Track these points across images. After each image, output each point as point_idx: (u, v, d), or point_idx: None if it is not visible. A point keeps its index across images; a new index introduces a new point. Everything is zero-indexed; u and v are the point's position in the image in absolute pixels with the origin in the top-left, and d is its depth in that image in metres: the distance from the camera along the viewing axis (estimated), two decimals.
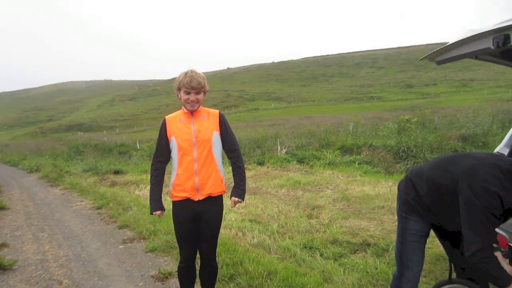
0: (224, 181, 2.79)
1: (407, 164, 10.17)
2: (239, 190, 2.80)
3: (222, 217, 2.86)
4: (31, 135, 65.79)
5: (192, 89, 2.58)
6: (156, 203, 2.75)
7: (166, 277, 3.78)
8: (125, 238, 5.23)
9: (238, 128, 29.56)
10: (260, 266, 3.63)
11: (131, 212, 6.44)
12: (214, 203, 2.75)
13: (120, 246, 4.93)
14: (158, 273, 3.88)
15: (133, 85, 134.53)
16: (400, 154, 10.99)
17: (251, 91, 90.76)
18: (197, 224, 2.76)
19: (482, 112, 17.25)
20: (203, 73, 2.68)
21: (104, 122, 69.34)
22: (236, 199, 2.78)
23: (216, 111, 2.80)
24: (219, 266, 3.69)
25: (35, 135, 64.49)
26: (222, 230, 5.04)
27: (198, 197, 2.67)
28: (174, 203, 2.75)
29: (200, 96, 2.64)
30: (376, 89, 74.73)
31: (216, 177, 2.70)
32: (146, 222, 5.66)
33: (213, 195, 2.72)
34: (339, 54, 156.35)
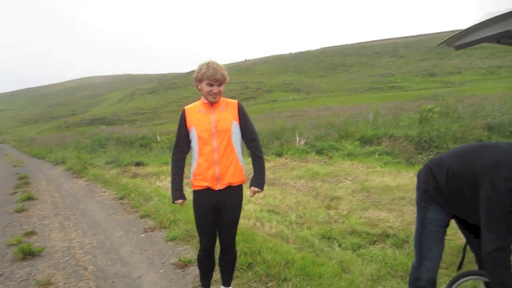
0: (243, 171, 2.80)
1: (429, 154, 10.00)
2: (258, 180, 2.80)
3: (241, 206, 2.88)
4: (56, 129, 67.34)
5: (216, 81, 2.59)
6: (177, 192, 2.78)
7: (186, 265, 3.85)
8: (147, 227, 5.33)
9: (257, 120, 29.54)
10: (277, 256, 3.67)
11: (152, 202, 6.56)
12: (234, 192, 2.78)
13: (142, 235, 5.03)
14: (178, 260, 3.96)
15: (152, 79, 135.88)
16: (422, 144, 10.82)
17: (269, 82, 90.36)
18: (217, 213, 2.79)
19: (510, 100, 16.70)
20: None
21: (125, 116, 70.34)
22: (256, 189, 2.79)
23: (235, 101, 2.80)
24: (238, 255, 3.73)
25: (60, 129, 65.97)
26: (240, 220, 5.07)
27: (218, 186, 2.70)
28: (194, 192, 2.78)
29: (222, 88, 2.66)
30: (397, 78, 73.21)
31: (236, 167, 2.72)
32: (166, 212, 5.76)
33: (233, 185, 2.74)
34: (358, 43, 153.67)
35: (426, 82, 63.16)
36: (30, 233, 5.37)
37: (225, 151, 2.67)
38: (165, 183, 8.63)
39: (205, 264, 2.97)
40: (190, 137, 2.74)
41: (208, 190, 2.72)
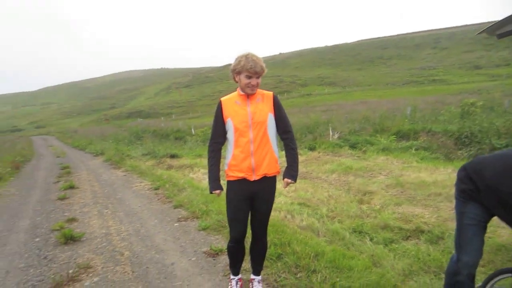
0: (278, 162, 2.83)
1: (470, 150, 9.63)
2: (292, 171, 2.82)
3: (274, 197, 2.91)
4: (96, 121, 69.76)
5: (255, 74, 2.60)
6: (215, 183, 2.83)
7: (217, 254, 3.94)
8: (180, 216, 5.49)
9: (291, 113, 29.31)
10: (307, 247, 3.68)
11: (185, 193, 6.72)
12: (268, 183, 2.81)
13: (175, 224, 5.18)
14: (210, 249, 4.06)
15: (187, 73, 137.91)
16: (463, 139, 10.41)
17: (304, 76, 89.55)
18: (250, 204, 2.84)
19: None
20: None
21: (161, 109, 71.81)
22: (289, 180, 2.81)
23: (270, 93, 2.81)
24: (268, 245, 3.78)
25: (100, 121, 68.28)
26: (271, 212, 5.14)
27: (253, 177, 2.73)
28: (229, 183, 2.82)
29: (260, 80, 2.67)
30: (438, 71, 70.58)
31: (271, 158, 2.75)
32: (199, 202, 5.89)
33: (268, 176, 2.78)
34: (397, 35, 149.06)
35: (470, 75, 60.57)
36: (72, 220, 5.68)
37: (260, 143, 2.70)
38: (198, 175, 8.80)
39: (235, 254, 3.03)
40: (226, 128, 2.77)
41: (242, 180, 2.75)
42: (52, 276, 3.66)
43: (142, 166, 10.83)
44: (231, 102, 2.75)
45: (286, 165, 2.87)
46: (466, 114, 13.34)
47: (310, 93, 63.32)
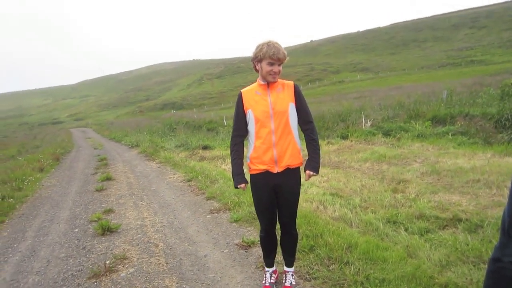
0: (301, 152, 2.77)
1: (511, 133, 9.18)
2: (313, 163, 2.76)
3: (300, 188, 2.84)
4: (132, 113, 71.57)
5: (277, 60, 2.55)
6: (239, 177, 2.79)
7: (249, 246, 3.95)
8: (212, 208, 5.54)
9: (322, 102, 29.02)
10: (340, 239, 3.62)
11: (217, 185, 6.77)
12: (292, 175, 2.74)
13: (208, 216, 5.24)
14: (242, 241, 4.07)
15: (219, 64, 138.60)
16: (503, 122, 9.94)
17: (336, 63, 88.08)
18: (276, 196, 2.78)
19: None
20: (285, 47, 2.64)
21: (194, 101, 72.76)
22: (311, 172, 2.75)
23: (291, 82, 2.74)
24: (300, 237, 3.75)
25: (135, 113, 70.02)
26: (303, 203, 5.12)
27: (276, 169, 2.68)
28: (252, 176, 2.78)
29: (281, 68, 2.62)
30: (476, 51, 67.63)
31: (293, 149, 2.68)
32: (231, 194, 5.92)
33: (291, 167, 2.71)
34: (432, 16, 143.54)
35: (510, 54, 57.66)
36: (109, 211, 5.86)
37: (282, 133, 2.64)
38: (230, 166, 8.77)
39: (267, 244, 3.01)
40: (247, 120, 2.72)
41: (266, 173, 2.70)
42: (90, 266, 3.80)
43: (175, 157, 11.01)
44: (252, 93, 2.71)
45: (308, 156, 2.83)
46: (506, 95, 12.66)
47: (342, 80, 62.32)
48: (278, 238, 3.09)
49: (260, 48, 2.58)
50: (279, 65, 2.58)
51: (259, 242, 3.07)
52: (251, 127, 2.70)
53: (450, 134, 10.02)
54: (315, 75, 75.27)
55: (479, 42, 77.25)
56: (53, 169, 11.37)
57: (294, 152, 2.69)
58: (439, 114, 12.17)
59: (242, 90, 2.77)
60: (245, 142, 2.85)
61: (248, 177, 2.83)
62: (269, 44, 2.55)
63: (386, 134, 11.44)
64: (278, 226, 2.98)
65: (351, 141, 11.15)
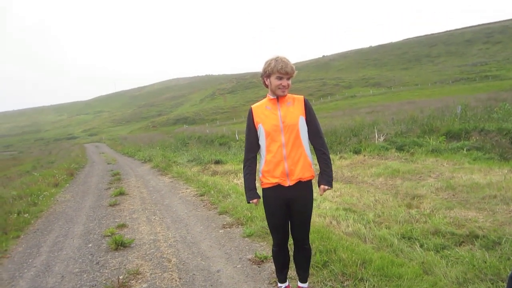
0: (312, 165, 2.78)
1: None
2: (326, 177, 2.78)
3: (313, 201, 2.85)
4: (144, 128, 72.29)
5: (286, 74, 2.60)
6: (251, 192, 2.82)
7: (262, 261, 3.92)
8: (225, 223, 5.53)
9: (335, 117, 28.99)
10: (354, 255, 3.58)
11: (230, 200, 6.77)
12: (304, 188, 2.75)
13: (220, 231, 5.23)
14: (255, 257, 4.05)
15: (231, 79, 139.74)
16: None
17: (348, 78, 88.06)
18: (288, 210, 2.79)
19: None
20: (297, 62, 2.66)
21: (206, 115, 73.25)
22: (326, 186, 2.77)
23: (301, 97, 2.79)
24: (313, 253, 3.72)
25: (148, 128, 70.71)
26: (316, 218, 5.09)
27: (288, 182, 2.69)
28: (264, 190, 2.79)
29: (290, 82, 2.66)
30: (491, 67, 66.98)
31: (305, 162, 2.70)
32: (243, 209, 5.91)
33: (303, 180, 2.72)
34: (445, 31, 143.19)
35: None
36: (122, 226, 5.89)
37: (293, 147, 2.66)
38: (242, 181, 8.78)
39: (279, 259, 3.00)
40: (258, 134, 2.75)
41: (277, 186, 2.71)
42: (104, 281, 3.81)
43: (188, 172, 11.06)
44: (262, 108, 2.77)
45: (319, 171, 2.84)
46: None
47: (355, 95, 62.20)
48: (291, 253, 3.07)
49: (268, 63, 2.64)
50: (287, 79, 2.63)
51: (272, 257, 3.07)
52: (262, 141, 2.74)
53: (465, 149, 9.90)
54: (327, 90, 75.29)
55: (493, 57, 76.65)
56: (68, 184, 11.50)
57: (305, 165, 2.71)
58: (454, 129, 12.04)
59: (252, 106, 2.83)
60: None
61: (260, 192, 2.85)
62: (277, 59, 2.61)
63: (400, 148, 11.35)
64: (291, 241, 2.96)
65: (364, 155, 11.08)
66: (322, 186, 2.78)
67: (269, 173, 2.71)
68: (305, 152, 2.71)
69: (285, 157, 2.66)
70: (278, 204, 2.75)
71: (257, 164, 2.87)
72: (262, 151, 2.76)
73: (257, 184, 2.86)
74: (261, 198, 2.85)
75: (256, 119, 2.74)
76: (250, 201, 2.82)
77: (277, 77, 2.61)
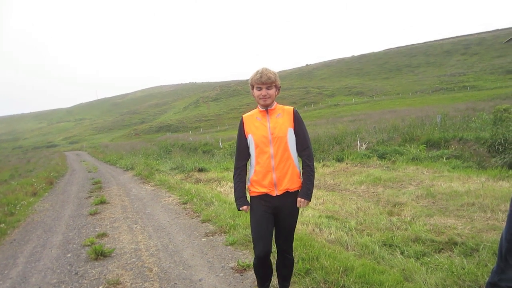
0: (300, 176, 2.83)
1: (504, 158, 9.25)
2: (306, 190, 2.79)
3: (298, 212, 2.91)
4: (127, 136, 71.45)
5: (263, 84, 2.66)
6: (241, 200, 2.86)
7: (245, 269, 3.91)
8: (207, 231, 5.49)
9: (317, 125, 29.22)
10: (336, 262, 3.60)
11: (213, 208, 6.73)
12: (291, 199, 2.79)
13: (203, 239, 5.19)
14: (237, 265, 4.03)
15: (215, 87, 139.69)
16: (496, 147, 10.04)
17: (331, 86, 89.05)
18: (274, 219, 2.83)
19: None
20: (280, 71, 2.69)
21: (190, 123, 72.91)
22: (303, 199, 2.78)
23: (291, 108, 2.82)
24: (295, 260, 3.72)
25: (130, 136, 69.91)
26: (299, 226, 5.09)
27: (276, 192, 2.74)
28: (252, 198, 2.85)
29: (272, 91, 2.70)
30: (469, 77, 68.77)
31: (293, 173, 2.75)
32: (226, 217, 5.88)
33: (291, 191, 2.77)
34: (425, 42, 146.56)
35: (502, 80, 58.74)
36: (102, 235, 5.78)
37: (282, 158, 2.71)
38: (226, 188, 8.81)
39: (262, 272, 2.99)
40: (248, 144, 2.83)
41: (265, 196, 2.77)
42: None
43: (170, 180, 10.96)
44: (253, 118, 2.82)
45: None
46: (499, 120, 12.87)
47: (338, 104, 62.90)
48: (274, 261, 3.07)
49: (251, 75, 2.73)
50: (267, 88, 2.68)
51: (253, 269, 3.06)
52: (252, 151, 2.81)
53: (444, 158, 10.10)
54: (310, 98, 75.96)
55: (471, 68, 78.69)
56: (47, 193, 11.26)
57: (293, 175, 2.76)
58: (433, 138, 12.28)
59: (243, 116, 2.89)
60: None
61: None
62: (257, 71, 2.69)
63: (381, 157, 11.50)
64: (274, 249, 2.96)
65: (347, 163, 11.18)
66: (299, 199, 2.78)
67: (258, 183, 2.77)
68: (294, 163, 2.76)
69: (274, 168, 2.72)
70: (265, 213, 2.79)
71: (247, 172, 2.92)
72: (252, 160, 2.83)
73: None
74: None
75: (246, 129, 2.81)
76: (240, 208, 2.85)
77: (256, 87, 2.70)
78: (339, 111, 48.93)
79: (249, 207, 2.86)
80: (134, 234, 5.74)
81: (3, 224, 6.83)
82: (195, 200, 7.61)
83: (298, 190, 2.82)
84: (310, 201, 2.82)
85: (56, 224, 6.96)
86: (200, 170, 12.84)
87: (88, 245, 5.21)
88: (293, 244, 4.06)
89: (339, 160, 12.03)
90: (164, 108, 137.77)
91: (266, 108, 2.77)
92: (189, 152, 23.04)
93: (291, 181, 2.75)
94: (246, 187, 2.89)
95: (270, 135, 2.71)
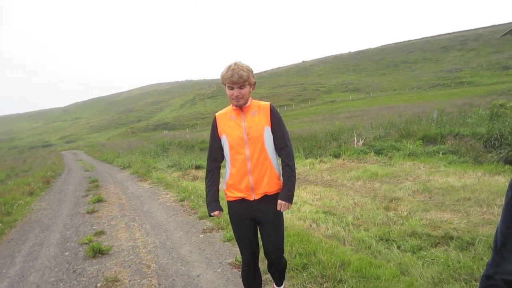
0: (280, 178, 2.57)
1: (500, 153, 9.32)
2: (286, 192, 2.51)
3: (282, 215, 2.64)
4: (123, 135, 71.35)
5: (234, 84, 2.37)
6: (213, 204, 2.61)
7: (241, 257, 3.91)
8: (205, 228, 5.50)
9: (315, 121, 29.27)
10: (333, 257, 3.61)
11: None
12: (271, 202, 2.53)
13: (200, 235, 5.20)
14: (235, 260, 4.05)
15: (212, 84, 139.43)
16: (492, 142, 10.11)
17: (328, 83, 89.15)
18: (256, 225, 2.63)
19: None
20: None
21: (186, 121, 72.85)
22: (283, 202, 2.49)
23: (267, 104, 2.55)
24: (292, 256, 3.75)
25: (127, 134, 69.80)
26: (296, 222, 5.12)
27: (253, 196, 2.51)
28: (229, 203, 2.63)
29: (245, 91, 2.42)
30: (466, 73, 68.99)
31: (271, 175, 2.50)
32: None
33: (270, 194, 2.53)
34: (422, 38, 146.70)
35: (499, 76, 58.99)
36: (100, 233, 5.78)
37: (258, 159, 2.47)
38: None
39: (249, 282, 2.75)
40: (222, 145, 2.58)
41: (242, 200, 2.54)
42: None
43: (167, 178, 10.97)
44: (226, 117, 2.57)
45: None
46: (495, 115, 12.94)
47: (334, 100, 62.99)
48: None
49: (222, 72, 2.44)
50: (239, 88, 2.40)
51: (241, 278, 2.79)
52: (226, 153, 2.57)
53: (441, 153, 10.14)
54: (307, 95, 76.02)
55: (468, 64, 78.93)
56: (43, 193, 11.23)
57: (272, 178, 2.52)
58: (430, 134, 12.33)
59: (216, 114, 2.65)
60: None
61: (225, 203, 2.70)
62: (229, 67, 2.40)
63: (378, 152, 11.54)
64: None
65: (344, 159, 11.22)
66: (279, 201, 2.50)
67: (233, 187, 2.54)
68: (272, 165, 2.51)
69: (250, 171, 2.48)
70: (244, 219, 2.58)
71: (222, 175, 2.68)
72: (227, 162, 2.58)
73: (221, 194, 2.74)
74: (226, 210, 2.70)
75: (220, 129, 2.56)
76: (212, 214, 2.59)
77: (228, 86, 2.42)
78: (336, 108, 49.01)
79: (221, 212, 2.62)
80: (132, 232, 5.75)
81: (0, 224, 6.82)
82: (192, 197, 7.62)
83: (278, 193, 2.56)
84: (291, 203, 2.55)
85: (53, 223, 6.95)
86: (197, 167, 12.86)
87: (86, 243, 5.21)
88: (290, 240, 4.09)
89: (336, 156, 12.07)
90: (160, 106, 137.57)
91: (241, 107, 2.50)
92: (186, 150, 23.04)
93: (270, 184, 2.50)
94: (223, 190, 2.66)
95: (246, 136, 2.46)
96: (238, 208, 2.57)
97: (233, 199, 2.56)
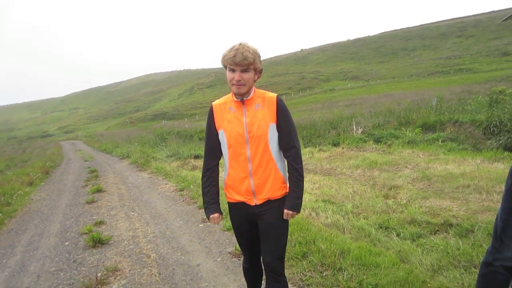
0: (286, 181, 2.26)
1: (500, 140, 9.31)
2: (293, 199, 2.21)
3: (286, 223, 2.29)
4: (122, 125, 71.19)
5: (236, 66, 2.03)
6: (212, 206, 2.32)
7: (242, 254, 3.92)
8: (204, 217, 5.47)
9: (314, 110, 29.23)
10: (333, 245, 3.62)
11: None
12: (275, 208, 2.22)
13: (200, 225, 5.21)
14: (235, 250, 4.06)
15: (210, 73, 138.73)
16: (492, 129, 10.10)
17: (326, 71, 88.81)
18: (257, 231, 2.31)
19: None
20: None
21: (185, 110, 72.66)
22: (290, 211, 2.20)
23: (273, 96, 2.20)
24: (292, 245, 3.75)
25: (125, 124, 69.64)
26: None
27: (255, 201, 2.21)
28: (229, 204, 2.36)
29: (248, 76, 2.07)
30: (465, 60, 68.74)
31: (275, 178, 2.19)
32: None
33: (273, 199, 2.22)
34: (421, 25, 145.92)
35: (498, 63, 58.78)
36: (100, 223, 5.79)
37: (261, 161, 2.16)
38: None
39: (250, 276, 2.58)
40: (220, 140, 2.25)
41: (242, 204, 2.25)
42: (82, 279, 3.74)
43: (167, 167, 10.97)
44: (225, 108, 2.23)
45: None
46: (494, 102, 12.88)
47: (333, 88, 62.82)
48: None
49: (224, 52, 2.12)
50: (242, 71, 2.05)
51: (243, 272, 2.62)
52: (224, 150, 2.25)
53: (440, 141, 10.13)
54: (306, 84, 75.77)
55: (467, 51, 78.61)
56: (43, 183, 11.23)
57: (276, 181, 2.20)
58: (429, 121, 12.31)
59: (213, 103, 2.30)
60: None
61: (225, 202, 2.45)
62: (233, 46, 2.08)
63: (377, 140, 11.53)
64: None
65: (343, 148, 11.21)
66: (286, 211, 2.21)
67: (233, 189, 2.25)
68: (276, 167, 2.20)
69: (251, 173, 2.17)
70: (244, 224, 2.33)
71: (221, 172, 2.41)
72: (225, 160, 2.28)
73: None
74: (228, 209, 2.43)
75: (217, 122, 2.24)
76: (211, 217, 2.30)
77: (229, 69, 2.08)
78: (334, 96, 48.90)
79: (220, 215, 2.33)
80: (132, 222, 5.76)
81: (0, 214, 6.82)
82: (191, 186, 7.62)
83: (283, 197, 2.25)
84: (299, 212, 2.25)
85: (53, 213, 6.96)
86: (196, 157, 12.84)
87: (86, 233, 5.22)
88: (290, 229, 4.08)
89: (335, 144, 12.06)
90: (159, 95, 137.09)
91: (242, 98, 2.16)
92: (185, 139, 22.99)
93: (273, 189, 2.19)
94: (222, 189, 2.38)
95: (247, 133, 2.13)
96: (238, 212, 2.31)
97: (233, 201, 2.30)
